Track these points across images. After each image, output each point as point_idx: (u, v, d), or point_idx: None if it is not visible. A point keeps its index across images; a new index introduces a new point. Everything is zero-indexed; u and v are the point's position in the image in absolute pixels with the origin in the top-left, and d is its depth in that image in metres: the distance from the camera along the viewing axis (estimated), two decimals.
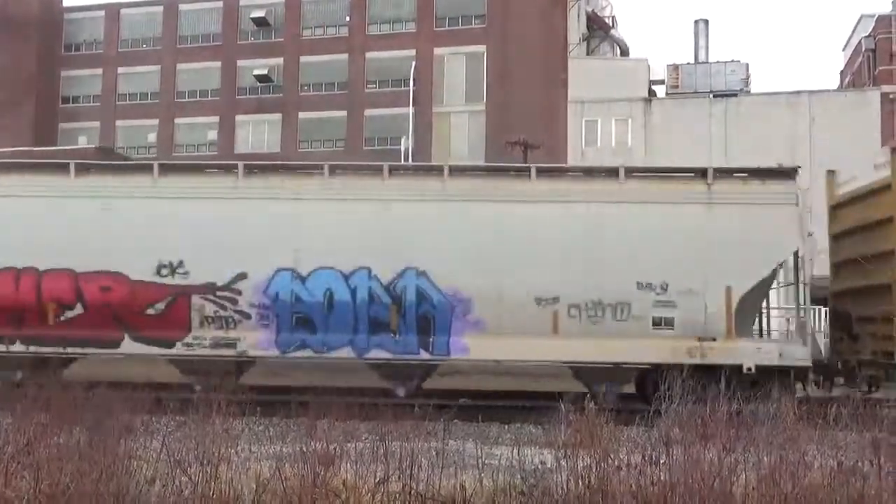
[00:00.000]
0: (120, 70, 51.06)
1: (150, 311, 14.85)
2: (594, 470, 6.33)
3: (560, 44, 44.82)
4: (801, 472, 6.36)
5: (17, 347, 15.00)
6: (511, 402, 15.77)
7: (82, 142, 48.26)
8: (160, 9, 50.75)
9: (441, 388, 15.68)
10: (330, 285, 14.68)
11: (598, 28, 49.94)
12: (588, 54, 48.19)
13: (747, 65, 45.14)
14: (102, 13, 51.90)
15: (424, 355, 14.72)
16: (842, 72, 52.92)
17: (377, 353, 14.73)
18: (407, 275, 14.61)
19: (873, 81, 43.24)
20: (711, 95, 43.24)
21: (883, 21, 43.64)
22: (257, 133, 48.40)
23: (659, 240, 14.45)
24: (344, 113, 47.05)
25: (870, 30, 44.48)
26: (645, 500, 5.99)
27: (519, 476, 6.67)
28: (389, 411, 8.86)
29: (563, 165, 17.25)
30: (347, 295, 14.67)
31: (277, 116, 48.17)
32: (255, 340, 14.77)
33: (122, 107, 50.73)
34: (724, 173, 15.23)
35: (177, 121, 49.58)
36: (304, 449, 7.05)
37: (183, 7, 50.49)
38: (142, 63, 50.60)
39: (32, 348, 15.05)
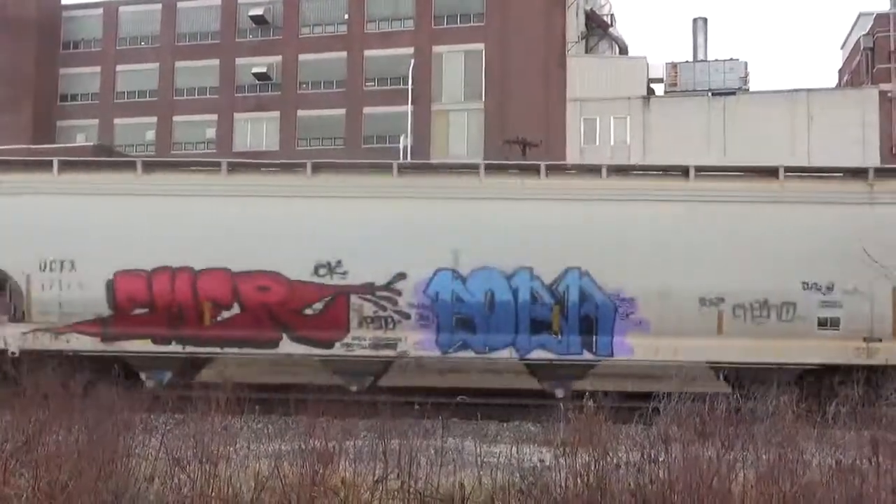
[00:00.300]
0: (118, 68, 51.00)
1: (308, 312, 14.68)
2: (593, 468, 6.34)
3: (559, 42, 44.82)
4: (799, 471, 6.37)
5: (173, 348, 14.86)
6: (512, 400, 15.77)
7: (80, 139, 48.19)
8: (158, 6, 50.70)
9: (587, 389, 15.74)
10: (491, 285, 14.56)
11: (597, 26, 49.90)
12: (587, 52, 48.15)
13: (746, 63, 45.11)
14: (101, 11, 51.84)
15: (588, 356, 14.64)
16: (840, 70, 52.92)
17: (539, 354, 14.63)
18: (569, 275, 14.50)
19: (871, 80, 43.25)
20: (710, 94, 43.25)
21: (881, 19, 43.64)
22: (256, 131, 48.37)
23: (823, 240, 14.31)
24: (342, 111, 47.04)
25: (868, 28, 44.48)
26: (644, 498, 5.99)
27: (518, 474, 6.67)
28: (388, 409, 8.86)
29: (722, 165, 17.13)
30: (509, 295, 14.56)
31: (276, 114, 48.12)
32: (415, 341, 14.62)
33: (120, 105, 50.69)
34: (885, 172, 15.14)
35: (175, 119, 49.54)
36: (303, 447, 7.06)
37: (181, 5, 50.44)
38: (140, 61, 50.55)
39: (188, 348, 14.92)
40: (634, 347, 14.52)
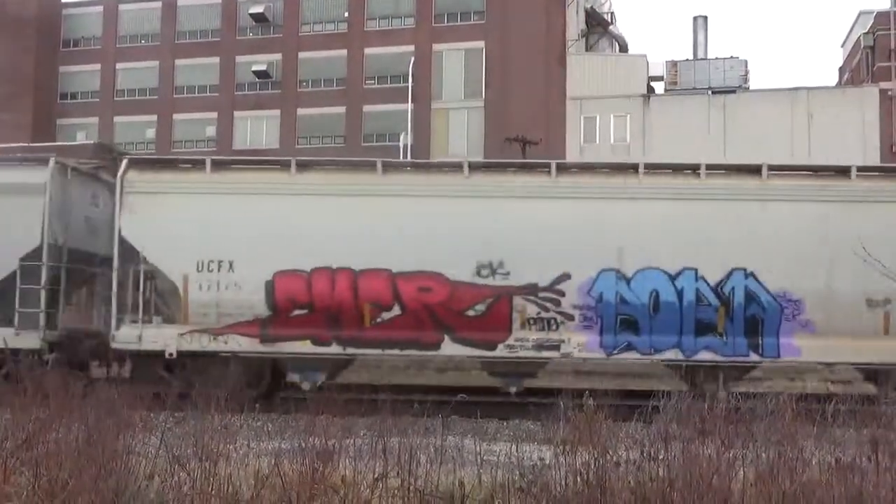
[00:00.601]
0: (118, 66, 50.99)
1: (470, 313, 14.63)
2: (593, 466, 6.33)
3: (559, 40, 44.80)
4: (799, 469, 6.37)
5: (333, 349, 14.81)
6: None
7: (80, 138, 48.18)
8: (158, 4, 50.68)
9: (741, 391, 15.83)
10: (655, 286, 14.55)
11: (597, 24, 49.90)
12: (587, 50, 48.15)
13: (746, 61, 45.13)
14: (101, 9, 51.83)
15: (754, 357, 14.66)
16: (840, 68, 52.91)
17: (704, 356, 14.63)
18: (735, 276, 14.50)
19: (872, 78, 43.23)
20: (710, 92, 43.22)
21: (882, 17, 43.61)
22: (255, 129, 48.38)
23: None
24: (342, 109, 47.02)
25: (868, 26, 44.46)
26: (643, 496, 5.99)
27: (517, 472, 6.67)
28: (388, 407, 8.87)
29: (884, 165, 17.16)
30: (674, 296, 14.55)
31: (276, 113, 48.11)
32: (579, 342, 14.60)
33: (120, 103, 50.67)
34: None
35: (175, 117, 49.54)
36: (303, 445, 7.06)
37: (181, 3, 50.43)
38: (140, 59, 50.56)
39: (349, 350, 14.88)
40: (801, 349, 14.51)
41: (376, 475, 6.52)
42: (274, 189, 15.10)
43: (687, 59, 46.53)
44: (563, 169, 15.27)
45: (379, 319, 14.69)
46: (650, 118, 42.90)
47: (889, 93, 41.06)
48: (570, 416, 8.28)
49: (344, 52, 47.54)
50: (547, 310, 14.58)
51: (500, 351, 14.66)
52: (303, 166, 15.46)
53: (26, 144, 40.12)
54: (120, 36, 51.35)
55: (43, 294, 15.63)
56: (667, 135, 40.81)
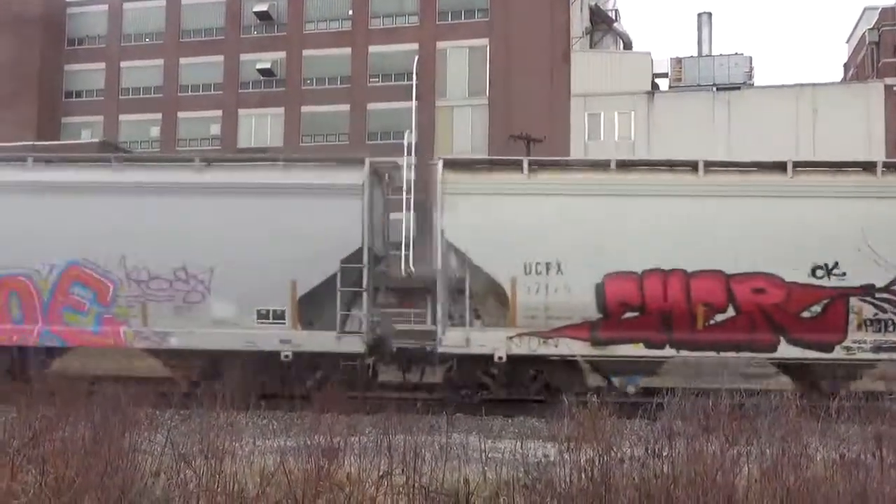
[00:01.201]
0: (123, 64, 51.03)
1: (805, 314, 14.58)
2: (597, 463, 6.34)
3: (563, 37, 44.75)
4: (803, 465, 6.37)
5: (667, 352, 14.82)
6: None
7: (85, 136, 48.27)
8: (163, 3, 50.69)
9: None
10: None
11: (601, 21, 49.83)
12: (591, 48, 48.08)
13: (750, 58, 45.10)
14: (105, 7, 51.86)
15: None
16: (845, 64, 52.80)
17: None
18: None
19: (877, 74, 43.16)
20: (715, 88, 43.18)
21: (887, 13, 43.53)
22: (260, 127, 48.39)
23: None
24: (347, 107, 47.01)
25: (873, 22, 44.36)
26: (647, 492, 6.00)
27: (522, 469, 6.68)
28: (392, 405, 8.89)
29: None
30: None
31: (280, 111, 48.12)
32: None
33: (124, 101, 50.69)
34: None
35: (179, 115, 49.55)
36: (309, 442, 7.08)
37: (185, 1, 50.45)
38: (144, 57, 50.58)
39: (682, 352, 14.90)
40: None
41: (381, 473, 6.54)
42: (595, 190, 15.05)
43: (691, 56, 46.50)
44: (890, 168, 15.13)
45: (712, 321, 14.65)
46: (654, 115, 42.85)
47: (894, 88, 40.97)
48: (574, 413, 8.28)
49: (348, 50, 47.54)
50: (884, 311, 14.53)
51: (837, 353, 14.61)
52: (622, 166, 15.44)
53: (31, 143, 40.20)
54: (124, 34, 51.37)
55: (365, 297, 15.49)
56: (671, 132, 40.77)
